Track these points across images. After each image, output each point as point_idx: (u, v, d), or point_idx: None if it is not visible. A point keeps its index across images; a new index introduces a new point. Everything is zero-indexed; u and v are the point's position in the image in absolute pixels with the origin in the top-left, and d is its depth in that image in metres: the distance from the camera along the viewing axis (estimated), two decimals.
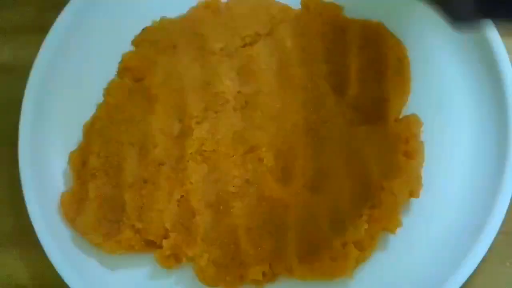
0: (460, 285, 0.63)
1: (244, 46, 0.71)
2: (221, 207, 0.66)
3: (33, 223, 0.69)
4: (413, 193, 0.65)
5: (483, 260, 0.64)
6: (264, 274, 0.64)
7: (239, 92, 0.69)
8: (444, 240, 0.66)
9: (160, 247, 0.66)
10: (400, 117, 0.68)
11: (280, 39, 0.70)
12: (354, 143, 0.66)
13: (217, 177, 0.67)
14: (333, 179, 0.65)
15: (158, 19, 0.73)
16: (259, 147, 0.67)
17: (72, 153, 0.71)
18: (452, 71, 0.71)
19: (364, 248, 0.64)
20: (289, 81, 0.69)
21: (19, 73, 0.77)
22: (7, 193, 0.74)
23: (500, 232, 0.66)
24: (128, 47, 0.73)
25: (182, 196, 0.67)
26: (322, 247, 0.63)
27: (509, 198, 0.65)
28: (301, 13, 0.72)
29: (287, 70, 0.69)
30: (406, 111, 0.69)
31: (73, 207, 0.69)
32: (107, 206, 0.68)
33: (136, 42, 0.72)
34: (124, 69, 0.71)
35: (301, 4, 0.73)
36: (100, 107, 0.71)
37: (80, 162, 0.71)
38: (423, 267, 0.65)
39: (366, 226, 0.63)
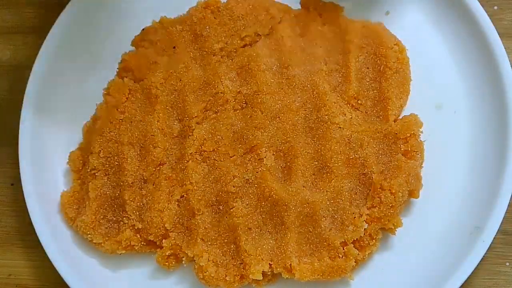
0: (460, 285, 0.63)
1: (243, 46, 0.71)
2: (221, 207, 0.66)
3: (33, 223, 0.69)
4: (413, 193, 0.65)
5: (483, 260, 0.64)
6: (264, 274, 0.64)
7: (239, 92, 0.69)
8: (444, 240, 0.66)
9: (160, 247, 0.66)
10: (400, 117, 0.68)
11: (279, 39, 0.70)
12: (354, 143, 0.66)
13: (217, 177, 0.67)
14: (333, 179, 0.65)
15: (158, 19, 0.73)
16: (259, 147, 0.67)
17: (72, 153, 0.71)
18: (452, 71, 0.71)
19: (364, 248, 0.64)
20: (289, 81, 0.69)
21: (19, 73, 0.77)
22: (7, 193, 0.74)
23: (500, 232, 0.66)
24: (128, 47, 0.73)
25: (182, 196, 0.67)
26: (322, 247, 0.64)
27: (509, 198, 0.65)
28: (301, 13, 0.73)
29: (287, 70, 0.69)
30: (406, 111, 0.69)
31: (73, 207, 0.70)
32: (107, 206, 0.68)
33: (136, 42, 0.72)
34: (124, 69, 0.71)
35: (301, 4, 0.73)
36: (100, 107, 0.71)
37: (80, 162, 0.71)
38: (423, 267, 0.65)
39: (366, 225, 0.63)
